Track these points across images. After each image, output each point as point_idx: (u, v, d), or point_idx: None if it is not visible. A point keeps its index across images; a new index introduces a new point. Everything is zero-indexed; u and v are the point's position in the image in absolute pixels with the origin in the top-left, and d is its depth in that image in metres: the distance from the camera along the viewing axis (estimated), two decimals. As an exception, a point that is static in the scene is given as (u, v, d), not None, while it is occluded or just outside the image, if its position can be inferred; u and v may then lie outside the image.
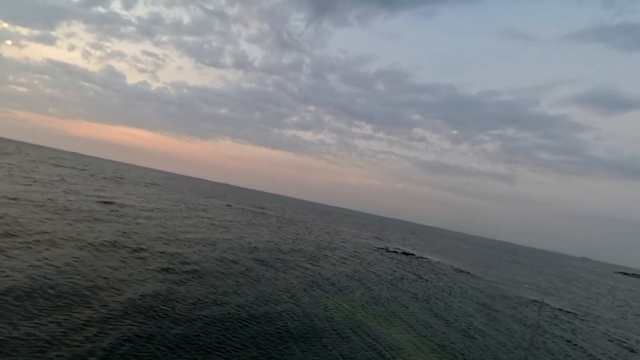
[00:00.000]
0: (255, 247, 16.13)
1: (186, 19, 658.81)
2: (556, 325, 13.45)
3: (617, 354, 11.18)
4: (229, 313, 7.46)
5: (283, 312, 8.32)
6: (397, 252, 28.27)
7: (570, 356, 9.83)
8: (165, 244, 12.88)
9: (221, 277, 10.02)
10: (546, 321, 13.69)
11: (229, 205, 41.26)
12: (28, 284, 6.66)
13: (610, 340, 12.81)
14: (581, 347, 10.98)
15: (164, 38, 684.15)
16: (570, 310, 17.21)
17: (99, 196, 22.32)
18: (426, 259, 27.47)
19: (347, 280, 13.58)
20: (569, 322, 14.48)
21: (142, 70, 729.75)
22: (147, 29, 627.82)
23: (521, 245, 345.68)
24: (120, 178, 48.27)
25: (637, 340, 13.82)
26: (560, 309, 16.91)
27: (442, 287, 16.52)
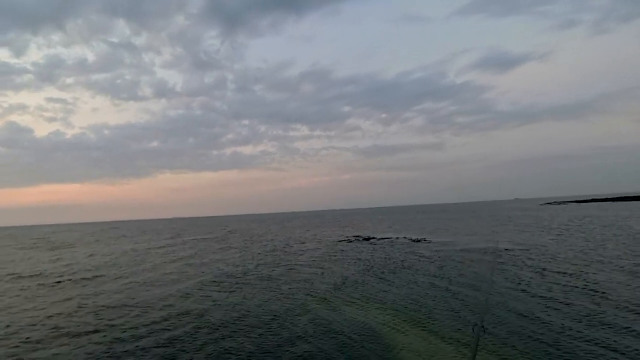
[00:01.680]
0: (236, 271, 15.92)
1: (91, 57, 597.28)
2: (504, 264, 15.57)
3: (555, 270, 13.41)
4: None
5: (261, 323, 8.61)
6: (358, 239, 29.65)
7: (524, 290, 11.59)
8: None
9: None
10: (499, 263, 15.78)
11: (208, 239, 39.21)
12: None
13: (543, 264, 15.24)
14: (531, 277, 12.96)
15: (70, 81, 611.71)
16: (512, 247, 19.90)
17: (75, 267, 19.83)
18: (385, 238, 29.27)
19: (319, 277, 14.16)
20: (514, 257, 16.83)
21: (52, 120, 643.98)
22: (48, 74, 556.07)
23: (461, 203, 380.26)
24: (71, 245, 42.81)
25: (564, 257, 16.62)
26: (506, 250, 19.44)
27: (403, 259, 17.97)
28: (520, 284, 11.69)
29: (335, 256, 20.19)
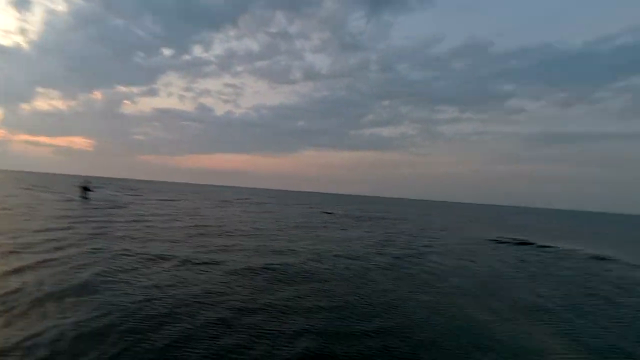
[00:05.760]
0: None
1: (255, 47, 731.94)
2: None
3: None
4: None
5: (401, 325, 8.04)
6: (512, 242, 24.98)
7: None
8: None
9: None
10: None
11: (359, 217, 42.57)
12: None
13: None
14: None
15: (239, 68, 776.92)
16: None
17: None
18: (551, 247, 23.52)
19: (467, 283, 12.50)
20: None
21: (226, 101, 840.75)
22: (225, 64, 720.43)
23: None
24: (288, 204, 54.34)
25: None
26: None
27: (581, 281, 13.84)
28: None
29: (485, 260, 17.48)
